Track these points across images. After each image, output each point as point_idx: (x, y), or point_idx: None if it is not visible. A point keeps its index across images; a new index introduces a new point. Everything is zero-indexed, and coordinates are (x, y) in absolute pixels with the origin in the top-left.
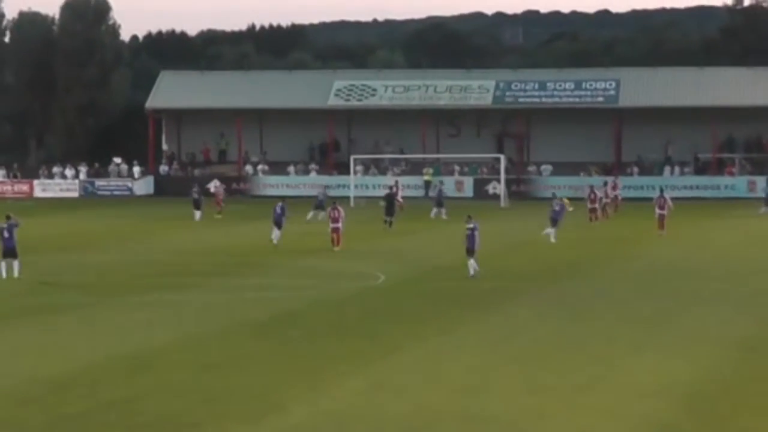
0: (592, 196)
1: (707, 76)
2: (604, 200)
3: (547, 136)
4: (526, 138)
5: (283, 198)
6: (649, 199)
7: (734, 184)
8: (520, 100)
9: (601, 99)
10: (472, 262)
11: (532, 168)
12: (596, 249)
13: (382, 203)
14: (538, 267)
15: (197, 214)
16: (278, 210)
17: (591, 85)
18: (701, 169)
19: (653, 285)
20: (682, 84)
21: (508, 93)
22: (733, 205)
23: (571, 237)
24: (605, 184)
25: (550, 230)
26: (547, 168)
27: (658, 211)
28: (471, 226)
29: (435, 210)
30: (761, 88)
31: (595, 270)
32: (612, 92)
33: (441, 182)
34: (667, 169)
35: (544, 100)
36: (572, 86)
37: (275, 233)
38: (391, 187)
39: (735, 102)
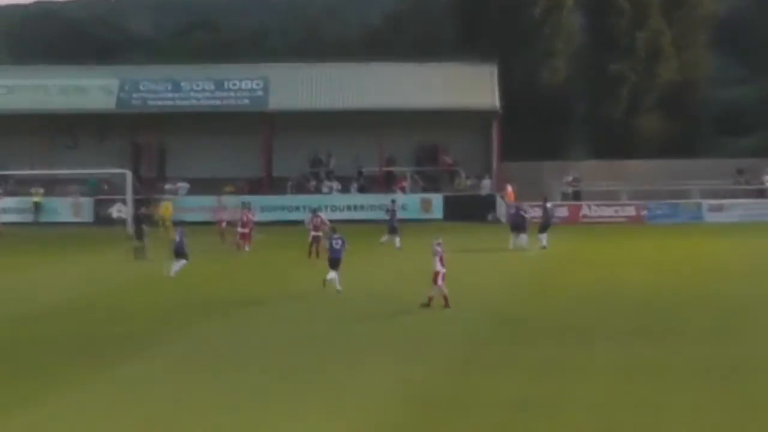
0: (245, 218)
1: (372, 73)
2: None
3: (185, 148)
4: (158, 149)
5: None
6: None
7: (406, 203)
8: (150, 103)
9: (246, 101)
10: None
11: (168, 186)
12: (242, 282)
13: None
14: (172, 305)
15: None
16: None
17: (235, 84)
18: (366, 186)
19: (300, 328)
20: (342, 82)
21: (135, 95)
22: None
23: (214, 269)
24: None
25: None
26: (183, 186)
27: (313, 233)
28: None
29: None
30: (426, 87)
31: (235, 308)
32: (260, 93)
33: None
34: (326, 186)
35: (178, 102)
36: (212, 86)
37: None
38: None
39: (406, 104)
